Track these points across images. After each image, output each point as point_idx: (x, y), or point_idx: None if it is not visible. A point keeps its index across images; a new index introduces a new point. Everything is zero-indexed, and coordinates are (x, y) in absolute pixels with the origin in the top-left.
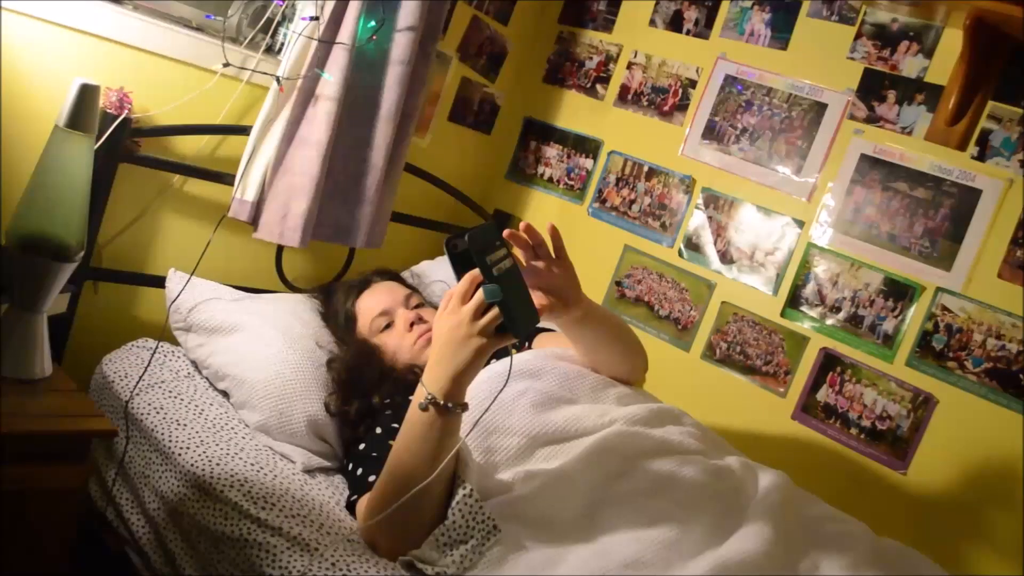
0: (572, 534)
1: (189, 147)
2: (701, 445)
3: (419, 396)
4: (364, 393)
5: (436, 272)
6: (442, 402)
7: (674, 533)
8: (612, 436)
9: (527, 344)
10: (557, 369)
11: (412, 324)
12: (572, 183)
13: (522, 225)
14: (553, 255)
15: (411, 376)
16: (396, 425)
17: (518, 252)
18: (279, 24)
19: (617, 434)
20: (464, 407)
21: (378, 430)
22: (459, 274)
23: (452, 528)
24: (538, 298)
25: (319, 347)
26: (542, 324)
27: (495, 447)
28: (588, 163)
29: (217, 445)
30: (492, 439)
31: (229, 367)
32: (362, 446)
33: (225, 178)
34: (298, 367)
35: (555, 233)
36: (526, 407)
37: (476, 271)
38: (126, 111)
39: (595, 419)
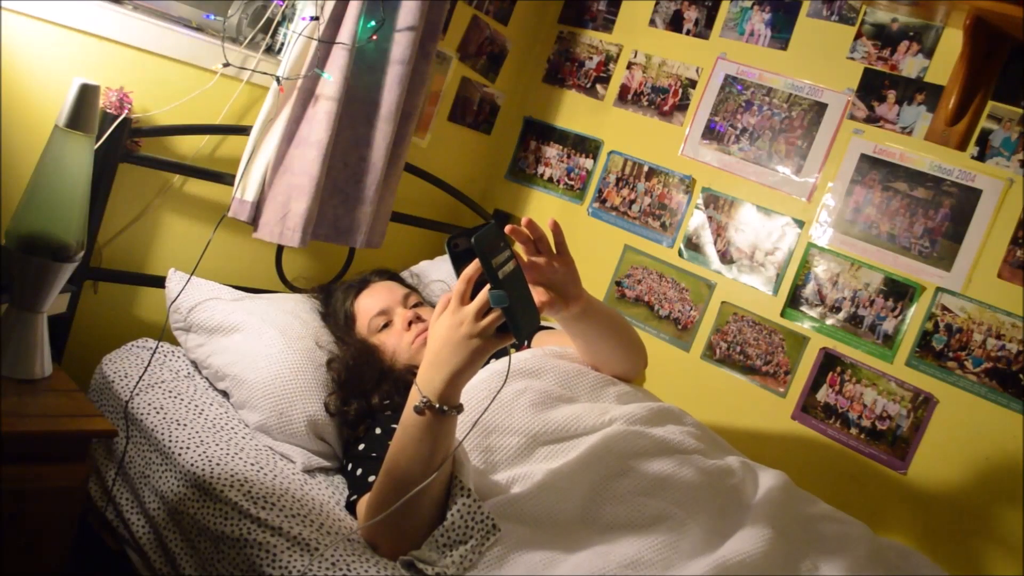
0: (571, 534)
1: (189, 147)
2: (701, 444)
3: (414, 398)
4: (363, 393)
5: (436, 272)
6: (437, 405)
7: (673, 533)
8: (612, 436)
9: (526, 343)
10: (556, 368)
11: (410, 323)
12: (572, 183)
13: (524, 220)
14: (554, 250)
15: (410, 376)
16: (395, 426)
17: (519, 247)
18: (279, 24)
19: (617, 434)
20: (459, 409)
21: (377, 430)
22: (461, 274)
23: (451, 529)
24: (538, 294)
25: (319, 347)
26: (542, 321)
27: (495, 446)
28: (588, 163)
29: (217, 445)
30: (492, 438)
31: (229, 367)
32: (362, 446)
33: (225, 178)
34: (298, 367)
35: (556, 228)
36: (525, 406)
37: (471, 269)
38: (126, 111)
39: (595, 418)
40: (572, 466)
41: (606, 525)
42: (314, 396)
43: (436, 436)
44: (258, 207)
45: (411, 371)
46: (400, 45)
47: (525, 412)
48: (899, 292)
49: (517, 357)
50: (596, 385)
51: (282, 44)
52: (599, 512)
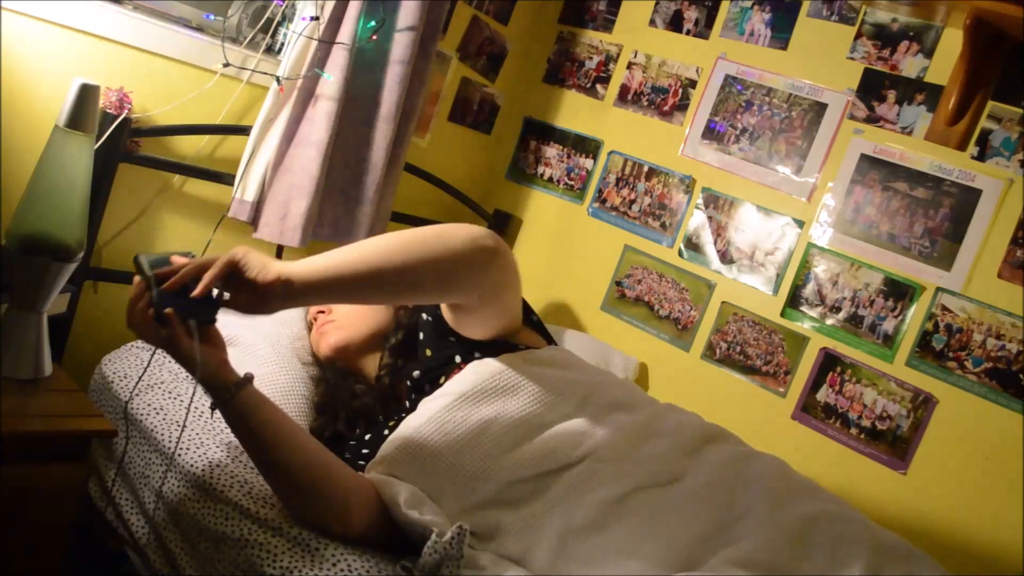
0: None
1: (189, 147)
2: (683, 463)
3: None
4: (334, 416)
5: None
6: (218, 404)
7: None
8: (581, 480)
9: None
10: (534, 379)
11: (316, 316)
12: (572, 183)
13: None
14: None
15: (343, 379)
16: (367, 437)
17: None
18: (279, 24)
19: (586, 478)
20: (228, 390)
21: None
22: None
23: (428, 564)
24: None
25: (302, 364)
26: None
27: (462, 491)
28: (588, 163)
29: (217, 447)
30: (459, 484)
31: None
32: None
33: (225, 178)
34: (289, 389)
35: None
36: (493, 442)
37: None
38: (126, 111)
39: (568, 450)
40: (537, 515)
41: None
42: (304, 419)
43: (239, 421)
44: (258, 207)
45: (336, 370)
46: (400, 45)
47: (492, 450)
48: (899, 292)
49: (496, 366)
50: (580, 397)
51: (282, 44)
52: (566, 566)
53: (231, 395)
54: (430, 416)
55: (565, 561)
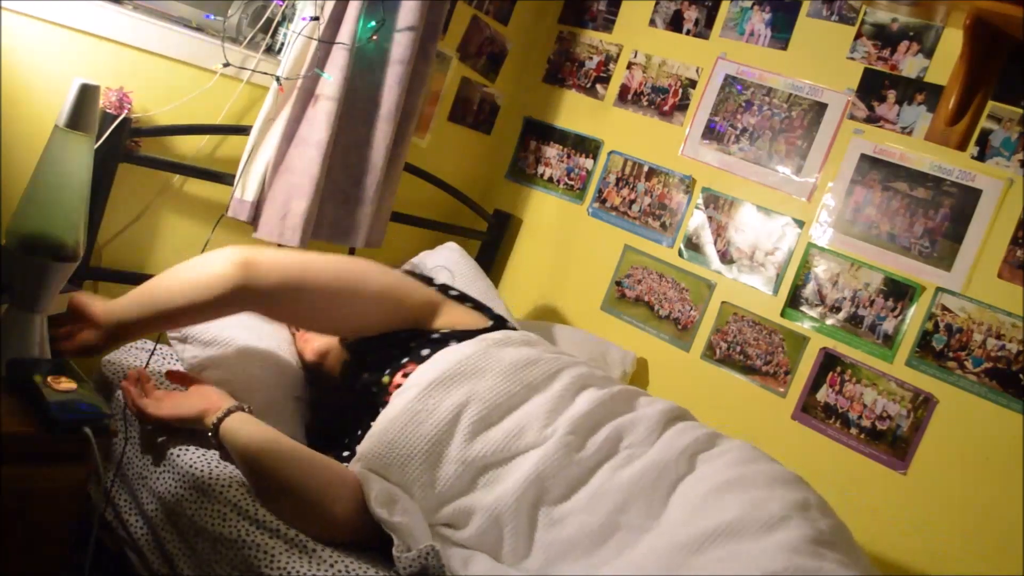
0: (519, 562)
1: (189, 147)
2: (653, 438)
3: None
4: (326, 416)
5: (432, 259)
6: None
7: (625, 542)
8: (549, 457)
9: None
10: (501, 361)
11: None
12: (572, 183)
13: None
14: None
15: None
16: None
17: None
18: (279, 24)
19: (554, 453)
20: (210, 428)
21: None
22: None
23: None
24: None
25: (297, 367)
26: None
27: (436, 478)
28: (588, 163)
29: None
30: (433, 471)
31: (223, 385)
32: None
33: (225, 178)
34: (289, 390)
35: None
36: (465, 428)
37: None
38: (126, 111)
39: (537, 431)
40: (508, 495)
41: (553, 551)
42: (301, 419)
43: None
44: (258, 207)
45: (321, 370)
46: (400, 45)
47: (463, 436)
48: (899, 292)
49: (461, 352)
50: (547, 375)
51: (282, 44)
52: (543, 539)
53: (214, 434)
54: (402, 408)
55: (541, 543)
